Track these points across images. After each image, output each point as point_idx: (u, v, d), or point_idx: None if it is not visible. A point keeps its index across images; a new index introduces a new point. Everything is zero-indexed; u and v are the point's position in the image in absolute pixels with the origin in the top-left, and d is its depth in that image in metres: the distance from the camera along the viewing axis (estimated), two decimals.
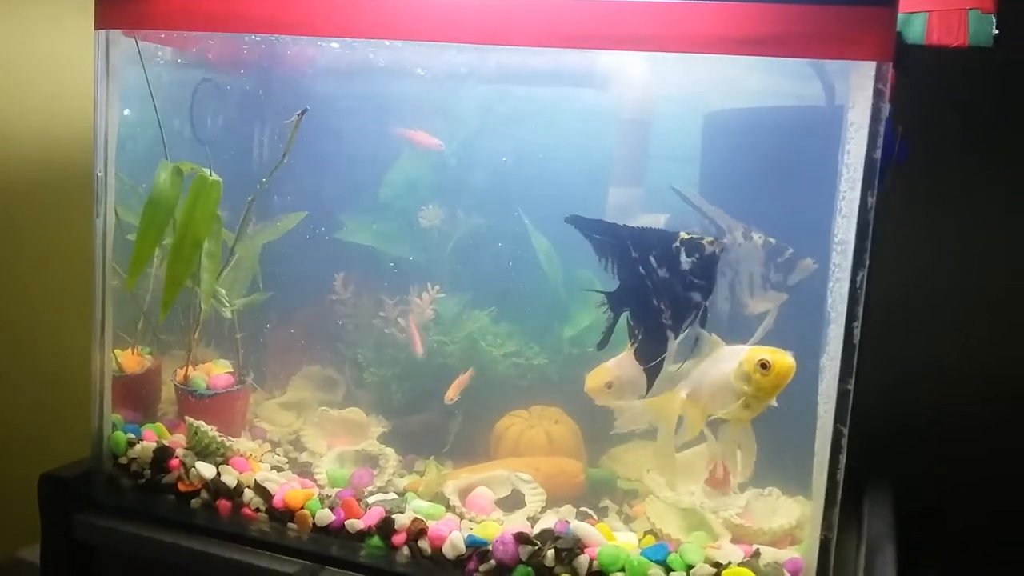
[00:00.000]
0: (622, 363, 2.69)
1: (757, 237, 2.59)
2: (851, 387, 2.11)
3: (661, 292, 2.46)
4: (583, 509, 2.73)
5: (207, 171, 2.81)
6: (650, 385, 2.52)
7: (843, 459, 2.15)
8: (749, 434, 2.34)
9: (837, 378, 2.12)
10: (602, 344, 2.62)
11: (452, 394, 2.98)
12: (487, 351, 3.07)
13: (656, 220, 3.04)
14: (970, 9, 3.04)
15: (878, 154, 2.04)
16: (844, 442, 2.14)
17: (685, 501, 2.68)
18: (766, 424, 2.44)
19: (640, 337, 2.53)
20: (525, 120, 3.16)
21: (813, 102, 2.67)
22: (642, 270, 2.50)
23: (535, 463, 2.86)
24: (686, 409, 2.41)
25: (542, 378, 3.08)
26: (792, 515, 2.58)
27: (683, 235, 2.41)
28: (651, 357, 2.51)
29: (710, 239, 2.36)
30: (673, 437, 2.46)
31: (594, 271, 2.91)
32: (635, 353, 2.55)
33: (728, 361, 2.28)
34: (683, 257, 2.42)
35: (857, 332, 2.09)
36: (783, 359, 2.18)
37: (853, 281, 2.08)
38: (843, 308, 2.10)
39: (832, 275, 2.20)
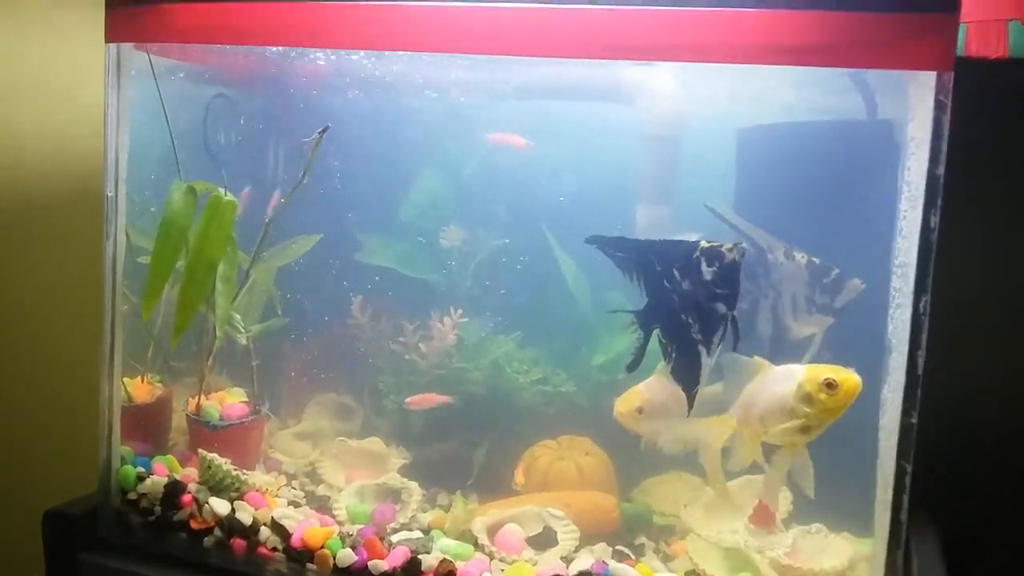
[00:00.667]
0: (653, 386, 2.55)
1: (800, 257, 2.46)
2: (915, 421, 1.96)
3: (688, 305, 2.33)
4: (619, 548, 2.59)
5: (222, 190, 2.68)
6: (690, 405, 2.38)
7: (906, 499, 2.00)
8: (806, 459, 2.19)
9: (900, 411, 1.97)
10: (633, 365, 2.47)
11: (414, 401, 2.84)
12: (513, 378, 2.94)
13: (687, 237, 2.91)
14: (1010, 20, 2.92)
15: (941, 170, 1.90)
16: (908, 480, 1.98)
17: (728, 540, 2.53)
18: (813, 457, 2.30)
19: (674, 355, 2.40)
20: (551, 137, 3.04)
21: (856, 116, 2.55)
22: (667, 284, 2.37)
23: (566, 498, 2.72)
24: (739, 434, 2.26)
25: (570, 406, 2.95)
26: (843, 554, 2.43)
27: (703, 244, 2.29)
28: (688, 375, 2.37)
29: (729, 246, 2.23)
30: (720, 463, 2.31)
31: (625, 294, 2.79)
32: (672, 372, 2.41)
33: (782, 382, 2.14)
34: (704, 267, 2.29)
35: (921, 362, 1.95)
36: (850, 377, 2.04)
37: (916, 307, 1.95)
38: (905, 336, 1.95)
39: (893, 300, 2.06)
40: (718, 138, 2.80)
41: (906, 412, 1.98)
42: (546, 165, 3.02)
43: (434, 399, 2.87)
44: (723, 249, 2.25)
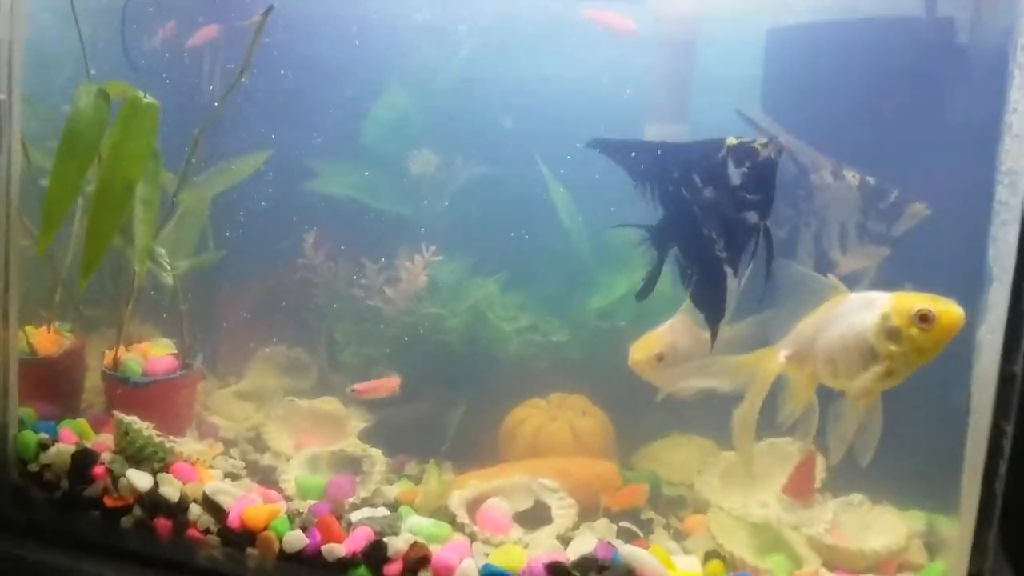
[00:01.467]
0: (676, 328, 2.17)
1: (851, 176, 2.05)
2: (1020, 370, 1.56)
3: (711, 217, 1.91)
4: (624, 524, 2.20)
5: (141, 93, 2.17)
6: (713, 339, 1.96)
7: (1003, 466, 1.60)
8: (878, 414, 1.77)
9: (1000, 357, 1.57)
10: (644, 292, 2.06)
11: (363, 389, 2.47)
12: (496, 326, 2.60)
13: None
14: None
15: None
16: (1007, 444, 1.59)
17: (757, 514, 2.13)
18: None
19: (695, 278, 1.98)
20: (540, 44, 2.61)
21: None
22: (686, 192, 1.95)
23: (561, 466, 2.35)
24: (789, 375, 1.83)
25: (564, 359, 2.60)
26: (895, 532, 2.05)
27: (730, 140, 1.86)
28: (712, 301, 1.97)
29: (763, 141, 1.81)
30: (757, 411, 1.88)
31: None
32: (692, 298, 2.01)
33: (860, 314, 1.68)
34: (732, 168, 1.87)
35: None
36: (949, 309, 1.59)
37: None
38: (1011, 262, 1.55)
39: (997, 216, 1.64)
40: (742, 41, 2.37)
41: (1008, 358, 1.58)
42: (536, 78, 2.60)
43: (387, 385, 2.49)
44: (755, 145, 1.83)
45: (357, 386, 2.45)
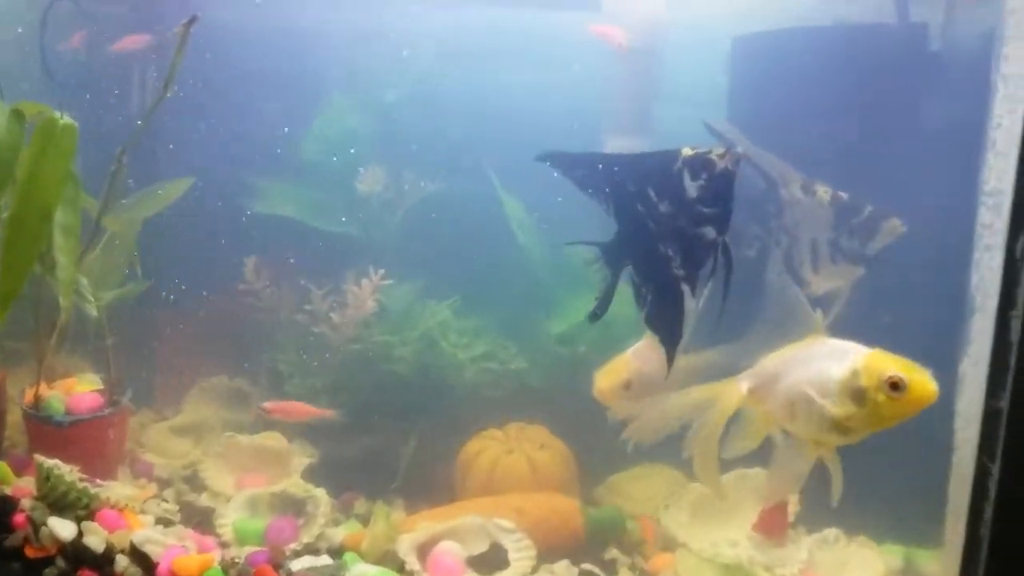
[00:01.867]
0: (643, 354, 2.00)
1: (822, 191, 1.92)
2: (1005, 405, 1.43)
3: (667, 232, 1.77)
4: (586, 567, 2.08)
5: (58, 114, 2.00)
6: (670, 362, 1.81)
7: (989, 507, 1.47)
8: (836, 465, 1.63)
9: (984, 391, 1.44)
10: (596, 314, 1.92)
11: (271, 407, 2.30)
12: (449, 354, 2.44)
13: None
14: None
15: None
16: (992, 484, 1.46)
17: (727, 554, 2.00)
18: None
19: (650, 297, 1.84)
20: (496, 54, 2.48)
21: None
22: (641, 207, 1.80)
23: (517, 503, 2.20)
24: (748, 409, 1.69)
25: (522, 387, 2.46)
26: (873, 569, 1.94)
27: (686, 151, 1.72)
28: (667, 323, 1.81)
29: (720, 151, 1.66)
30: (716, 440, 1.74)
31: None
32: (646, 320, 1.86)
33: (829, 362, 1.54)
34: (687, 181, 1.72)
35: (1017, 326, 1.42)
36: (924, 381, 1.44)
37: (1011, 250, 1.41)
38: (995, 290, 1.42)
39: (980, 240, 1.52)
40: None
41: (992, 393, 1.45)
42: (492, 90, 2.47)
43: (305, 411, 2.31)
44: (712, 156, 1.67)
45: (267, 404, 2.29)
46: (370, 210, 2.51)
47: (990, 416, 1.47)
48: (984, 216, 1.52)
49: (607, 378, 2.00)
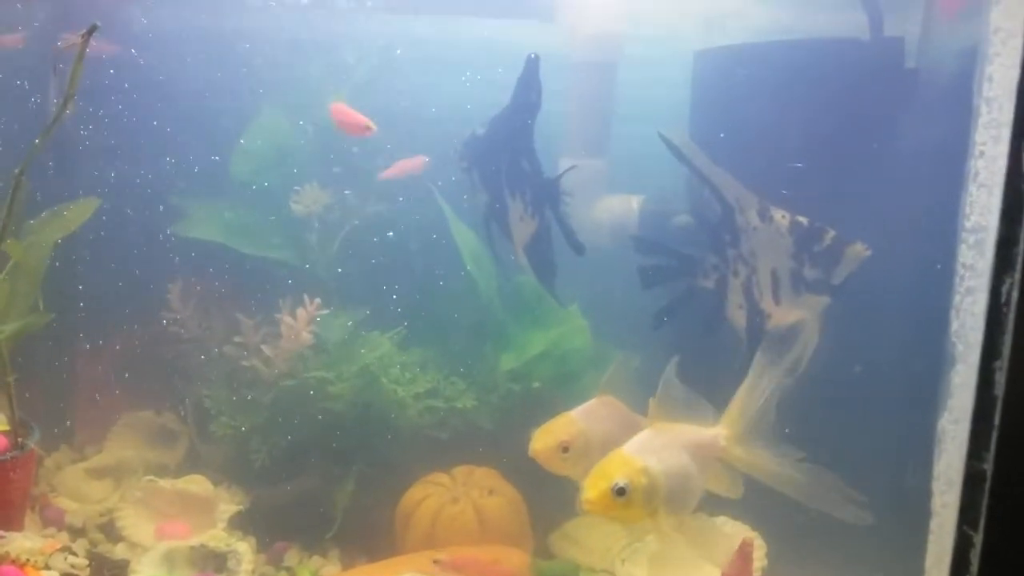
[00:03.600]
0: (593, 413, 1.82)
1: (779, 217, 1.76)
2: (989, 467, 1.27)
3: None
4: None
5: None
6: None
7: None
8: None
9: (966, 452, 1.28)
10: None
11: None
12: (391, 390, 2.22)
13: (627, 203, 2.23)
14: None
15: None
16: (975, 556, 1.30)
17: None
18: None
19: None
20: (446, 66, 2.31)
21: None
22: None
23: (461, 557, 1.98)
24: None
25: (470, 427, 2.26)
26: None
27: None
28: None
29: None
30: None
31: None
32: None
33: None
34: None
35: (1001, 378, 1.26)
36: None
37: (996, 294, 1.25)
38: (978, 338, 1.26)
39: (960, 283, 1.36)
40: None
41: (975, 454, 1.29)
42: (440, 105, 2.27)
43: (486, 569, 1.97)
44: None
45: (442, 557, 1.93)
46: (306, 233, 2.31)
47: (972, 479, 1.31)
48: (965, 255, 1.36)
49: (543, 438, 1.80)
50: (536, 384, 2.23)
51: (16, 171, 1.85)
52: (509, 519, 2.15)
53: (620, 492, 1.48)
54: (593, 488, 1.51)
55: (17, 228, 2.03)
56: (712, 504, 2.00)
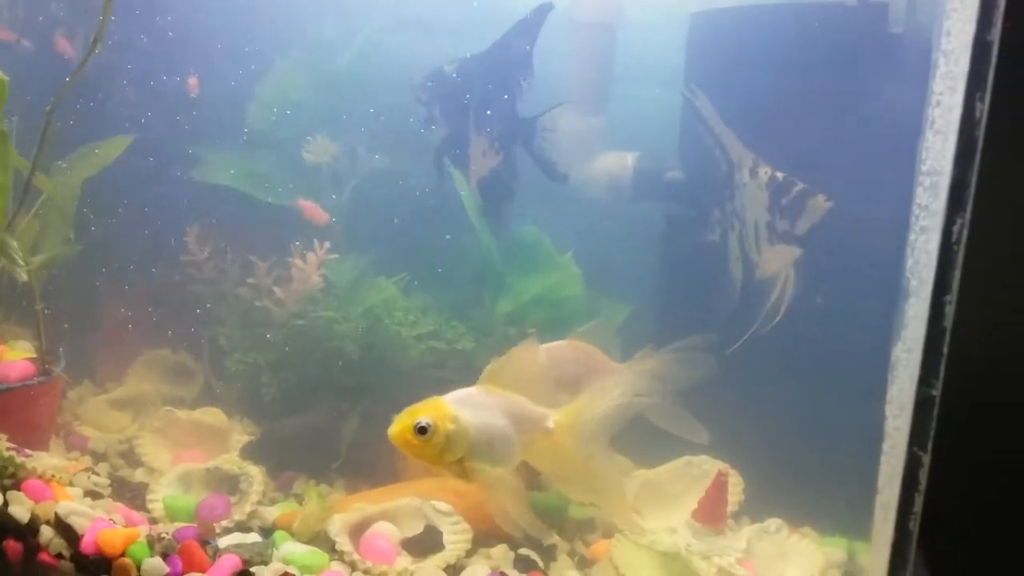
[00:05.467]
0: (557, 353, 1.92)
1: (763, 172, 1.87)
2: (937, 393, 1.39)
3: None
4: (523, 551, 2.00)
5: None
6: None
7: (919, 499, 1.43)
8: None
9: (917, 378, 1.40)
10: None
11: None
12: (394, 332, 2.35)
13: (622, 160, 2.34)
14: None
15: (995, 34, 1.31)
16: (923, 475, 1.42)
17: (664, 542, 1.96)
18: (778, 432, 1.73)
19: None
20: (455, 25, 2.39)
21: None
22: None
23: (456, 486, 2.12)
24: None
25: (468, 368, 2.34)
26: (812, 562, 1.89)
27: None
28: None
29: None
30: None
31: (542, 225, 2.21)
32: None
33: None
34: None
35: (950, 311, 1.38)
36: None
37: (948, 232, 1.36)
38: (930, 274, 1.37)
39: (916, 222, 1.47)
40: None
41: (925, 381, 1.40)
42: (444, 63, 2.37)
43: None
44: None
45: None
46: (317, 182, 2.43)
47: (923, 404, 1.43)
48: (921, 196, 1.47)
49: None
50: (531, 329, 2.34)
51: (47, 109, 1.98)
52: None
53: (421, 431, 1.61)
54: (399, 422, 1.64)
55: (47, 165, 2.16)
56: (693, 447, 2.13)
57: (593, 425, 1.71)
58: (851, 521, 1.95)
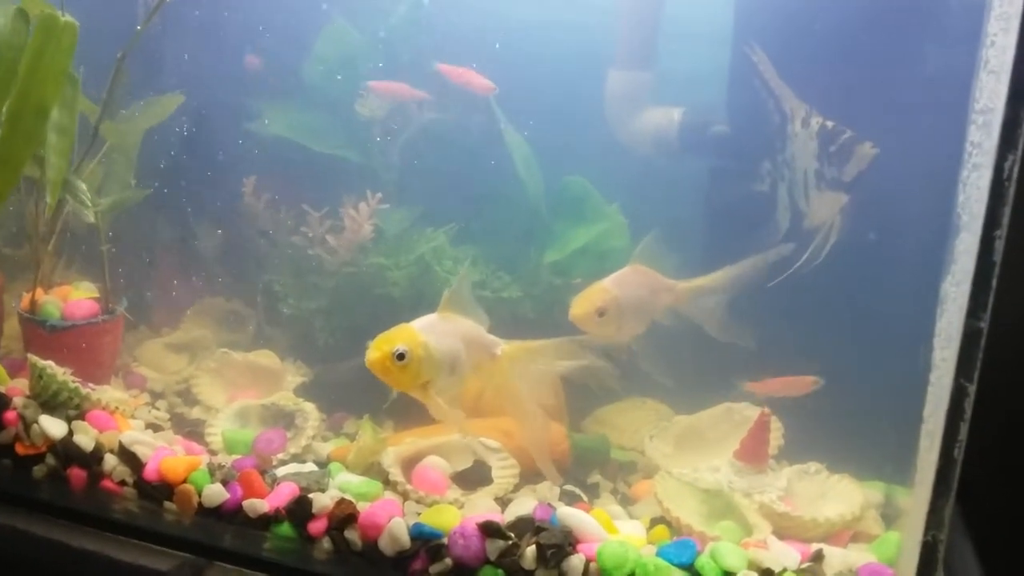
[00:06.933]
0: (624, 281, 2.02)
1: (815, 122, 1.92)
2: (985, 324, 1.43)
3: None
4: (568, 488, 2.05)
5: (59, 12, 2.00)
6: None
7: (964, 427, 1.48)
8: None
9: (965, 311, 1.44)
10: None
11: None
12: (443, 279, 2.39)
13: (669, 114, 2.38)
14: None
15: None
16: (968, 405, 1.46)
17: (707, 479, 2.01)
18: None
19: None
20: None
21: None
22: None
23: (505, 426, 2.18)
24: None
25: (514, 316, 2.41)
26: (851, 501, 1.94)
27: None
28: None
29: None
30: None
31: (590, 177, 2.25)
32: None
33: None
34: None
35: (999, 246, 1.41)
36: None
37: (999, 169, 1.40)
38: (980, 209, 1.41)
39: (968, 159, 1.51)
40: None
41: (974, 313, 1.44)
42: (498, 24, 2.42)
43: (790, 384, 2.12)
44: None
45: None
46: (370, 135, 2.49)
47: (970, 336, 1.47)
48: (973, 134, 1.50)
49: (581, 304, 2.02)
50: (577, 279, 2.40)
51: (119, 55, 2.06)
52: (548, 396, 2.35)
53: (400, 357, 1.73)
54: (377, 350, 1.75)
55: (114, 111, 2.24)
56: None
57: (534, 366, 1.88)
58: (892, 466, 2.00)
